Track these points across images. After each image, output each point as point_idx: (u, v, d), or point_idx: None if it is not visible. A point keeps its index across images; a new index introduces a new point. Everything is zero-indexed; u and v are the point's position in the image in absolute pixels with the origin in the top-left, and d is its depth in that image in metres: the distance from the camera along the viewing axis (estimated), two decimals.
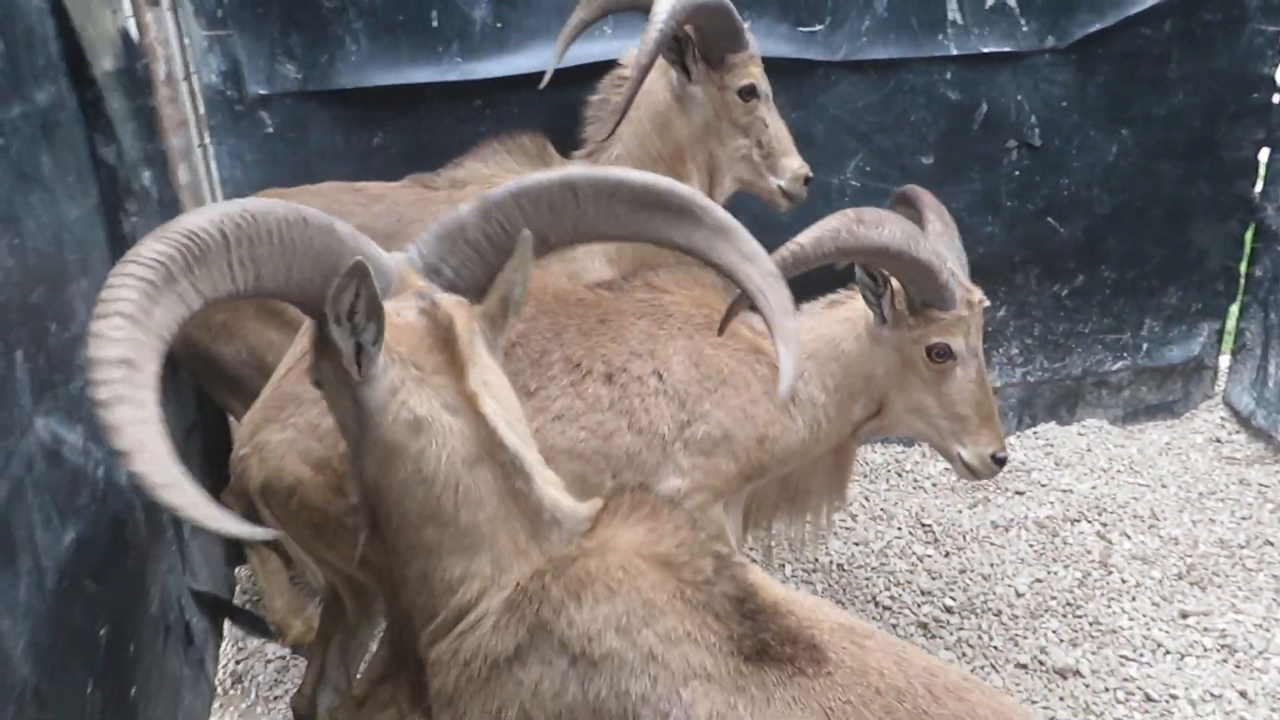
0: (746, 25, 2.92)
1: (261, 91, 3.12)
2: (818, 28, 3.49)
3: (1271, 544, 3.37)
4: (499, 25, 3.20)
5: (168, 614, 2.46)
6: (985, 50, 3.64)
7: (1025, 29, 3.64)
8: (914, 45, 3.59)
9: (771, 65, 3.43)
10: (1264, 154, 4.06)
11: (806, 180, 3.02)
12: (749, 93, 2.88)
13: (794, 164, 2.97)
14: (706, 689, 1.23)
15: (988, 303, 2.45)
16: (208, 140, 3.16)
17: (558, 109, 3.33)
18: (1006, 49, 3.64)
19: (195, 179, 3.08)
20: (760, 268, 1.54)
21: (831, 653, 1.25)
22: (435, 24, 3.16)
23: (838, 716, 1.21)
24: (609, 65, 3.25)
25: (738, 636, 1.26)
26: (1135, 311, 4.20)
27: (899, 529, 3.55)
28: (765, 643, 1.25)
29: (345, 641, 2.36)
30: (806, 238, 2.22)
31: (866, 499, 3.75)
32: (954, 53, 3.62)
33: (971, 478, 2.51)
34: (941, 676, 1.28)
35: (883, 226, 2.24)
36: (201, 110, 3.13)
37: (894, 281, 2.37)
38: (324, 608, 2.38)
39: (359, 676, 2.27)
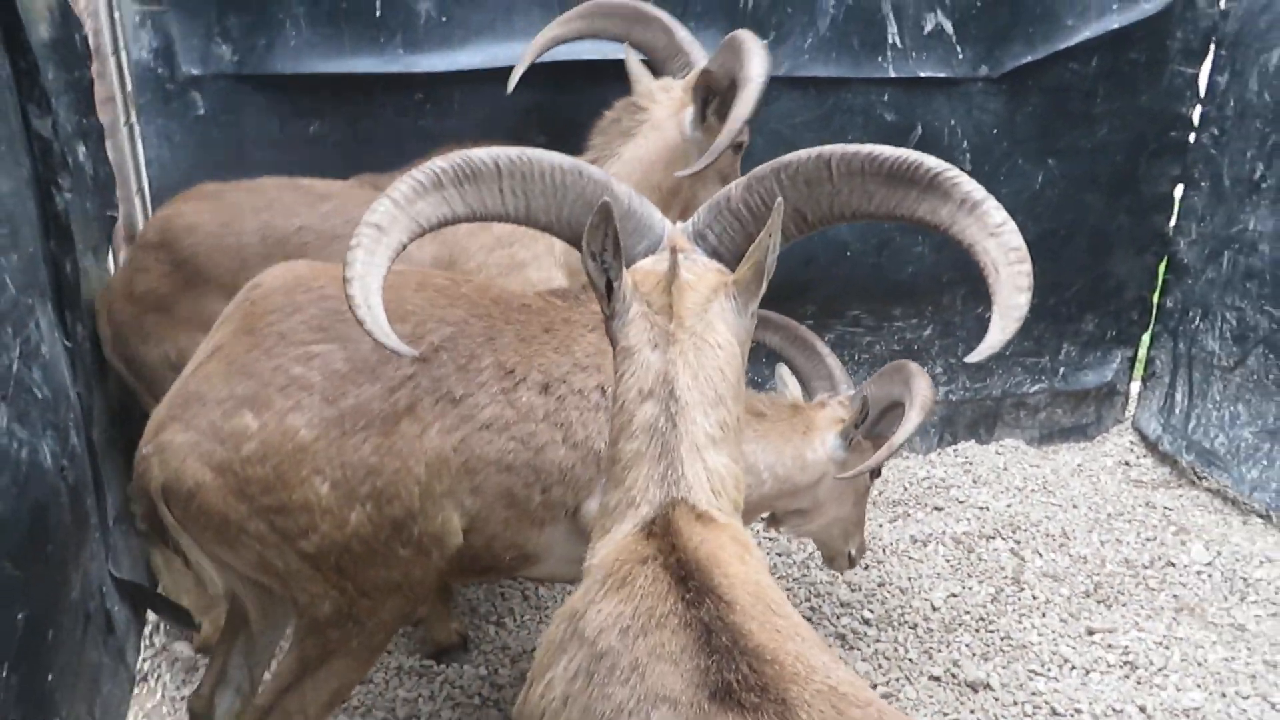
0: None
1: (194, 72, 3.04)
2: (762, 43, 3.53)
3: (1173, 565, 3.51)
4: (444, 19, 3.17)
5: (88, 601, 2.38)
6: (922, 75, 3.73)
7: (961, 56, 3.74)
8: (854, 66, 3.66)
9: None
10: (1179, 190, 4.22)
11: None
12: (739, 149, 3.00)
13: None
14: (670, 715, 1.19)
15: None
16: (134, 119, 3.06)
17: (498, 105, 3.31)
18: (942, 75, 3.73)
19: (120, 157, 2.98)
20: (1004, 243, 1.49)
21: (804, 714, 1.17)
22: (379, 14, 3.12)
23: None
24: (550, 65, 3.27)
25: (704, 669, 1.21)
26: (1054, 337, 4.34)
27: None
28: (730, 684, 1.19)
29: (248, 644, 2.27)
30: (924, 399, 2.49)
31: None
32: (892, 75, 3.70)
33: (844, 568, 2.96)
34: None
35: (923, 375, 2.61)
36: (129, 87, 3.04)
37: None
38: (228, 608, 2.30)
39: (264, 683, 2.19)
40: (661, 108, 2.95)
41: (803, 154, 1.56)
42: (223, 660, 2.27)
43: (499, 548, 2.14)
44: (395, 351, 1.51)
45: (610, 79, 3.37)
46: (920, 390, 2.49)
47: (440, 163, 1.54)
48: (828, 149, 1.55)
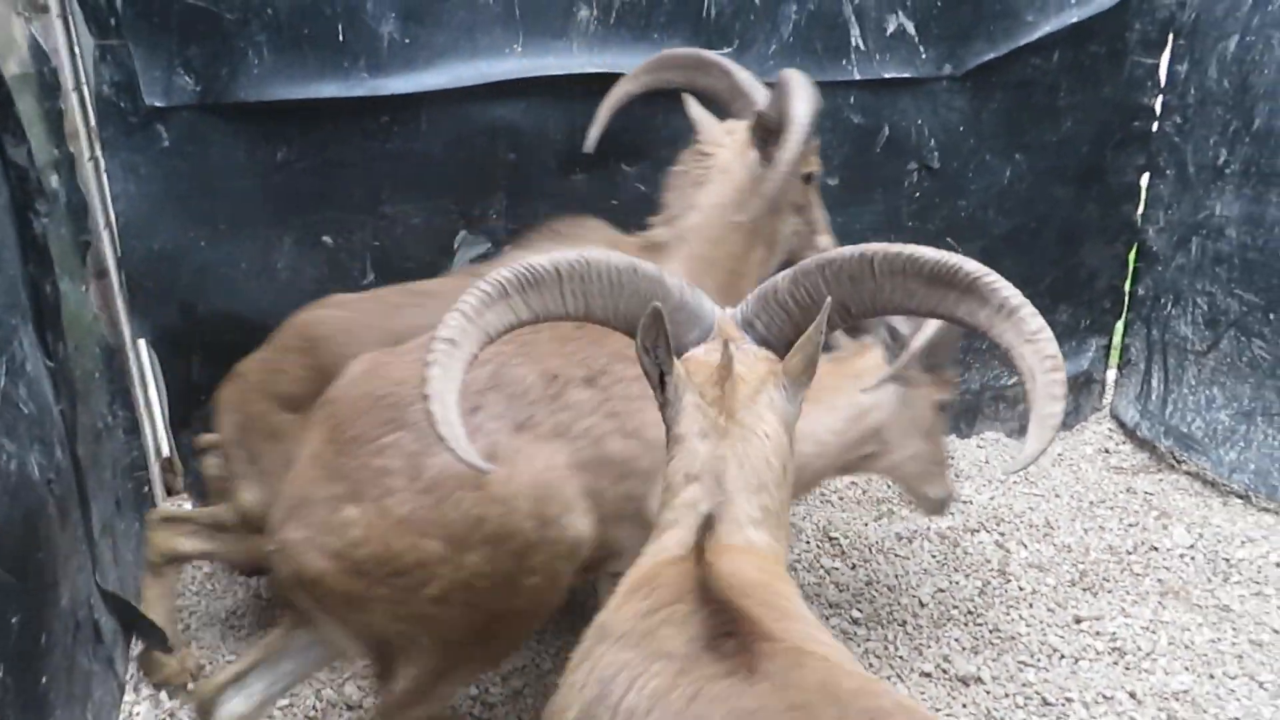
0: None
1: (157, 104, 3.02)
2: (726, 50, 3.55)
3: (1156, 549, 3.54)
4: (407, 41, 3.17)
5: (77, 610, 2.46)
6: (887, 76, 3.75)
7: (924, 56, 3.77)
8: (819, 69, 3.67)
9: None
10: (1145, 179, 4.27)
11: None
12: (810, 179, 3.02)
13: (828, 241, 3.09)
14: (666, 667, 1.32)
15: None
16: (99, 153, 3.05)
17: (466, 125, 3.32)
18: (907, 75, 3.76)
19: (87, 192, 2.97)
20: (1039, 350, 1.52)
21: (766, 665, 1.29)
22: (342, 39, 3.11)
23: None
24: (517, 82, 3.28)
25: (702, 623, 1.35)
26: None
27: (807, 542, 3.62)
28: (716, 635, 1.32)
29: (282, 674, 2.36)
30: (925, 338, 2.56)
31: None
32: (857, 77, 3.72)
33: (933, 512, 2.96)
34: (866, 700, 1.27)
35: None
36: (93, 122, 3.02)
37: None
38: (280, 637, 2.37)
39: (392, 692, 2.26)
40: (727, 150, 2.94)
41: (846, 251, 1.62)
42: (252, 668, 2.34)
43: (607, 544, 2.26)
44: (476, 468, 1.56)
45: (576, 96, 3.39)
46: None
47: (505, 273, 1.61)
48: (870, 248, 1.61)
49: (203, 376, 3.34)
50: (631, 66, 3.39)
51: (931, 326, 2.55)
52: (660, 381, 1.63)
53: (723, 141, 2.97)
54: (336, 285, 3.35)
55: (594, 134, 3.14)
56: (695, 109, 3.05)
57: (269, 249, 3.26)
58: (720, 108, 3.12)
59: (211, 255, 3.21)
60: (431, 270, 3.45)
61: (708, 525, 1.48)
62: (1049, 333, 1.51)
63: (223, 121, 3.10)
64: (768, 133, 2.82)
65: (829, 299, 1.58)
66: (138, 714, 2.78)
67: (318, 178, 3.21)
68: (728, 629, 1.33)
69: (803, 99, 2.77)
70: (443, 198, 3.38)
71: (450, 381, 1.54)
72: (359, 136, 3.23)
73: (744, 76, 3.09)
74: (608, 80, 3.38)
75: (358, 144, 3.23)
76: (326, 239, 3.32)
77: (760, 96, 3.01)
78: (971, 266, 1.56)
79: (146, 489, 3.41)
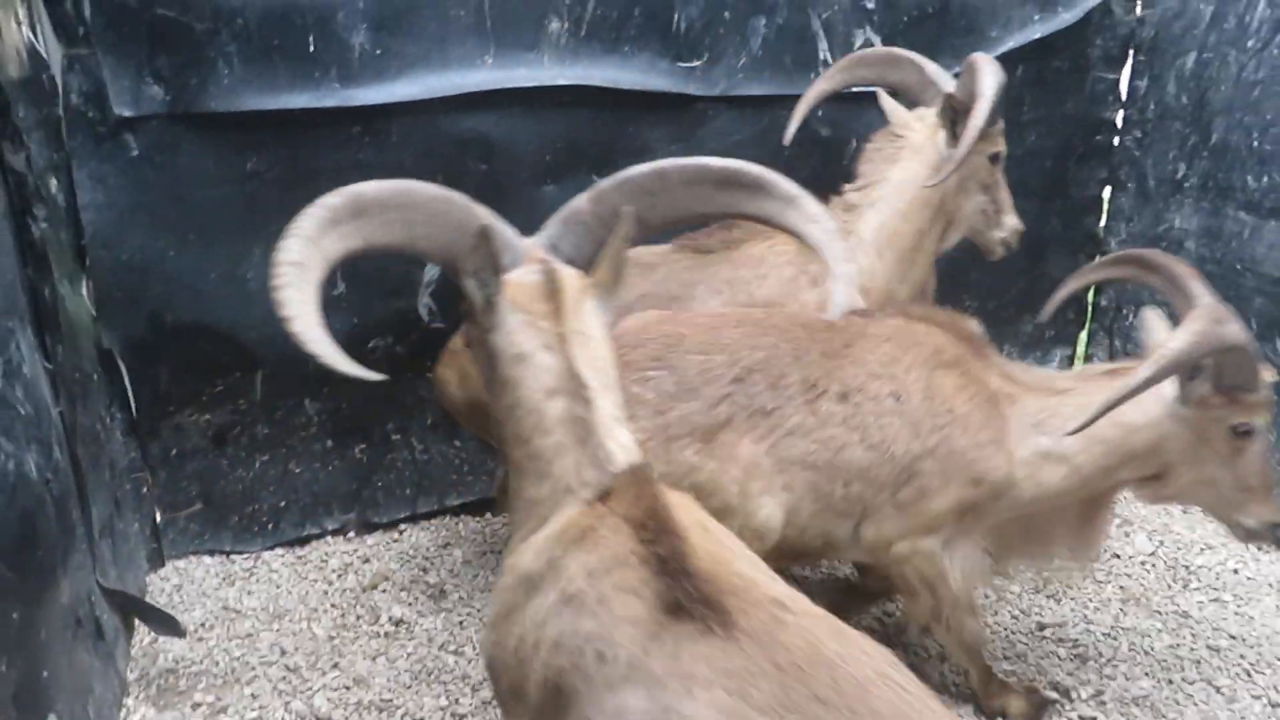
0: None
1: (126, 113, 3.01)
2: (696, 64, 3.59)
3: (1118, 556, 3.60)
4: (378, 52, 3.18)
5: (78, 608, 2.52)
6: (855, 89, 3.80)
7: None
8: (788, 83, 3.73)
9: (652, 99, 3.54)
10: (1107, 192, 4.36)
11: (1020, 234, 3.36)
12: (996, 159, 3.20)
13: (1013, 221, 3.31)
14: (633, 634, 1.38)
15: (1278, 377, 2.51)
16: (69, 162, 3.03)
17: (437, 136, 3.34)
18: (874, 88, 3.81)
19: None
20: (822, 226, 1.82)
21: (743, 621, 1.35)
22: (312, 49, 3.12)
23: (732, 679, 1.29)
24: (488, 94, 3.29)
25: (660, 591, 1.40)
26: (995, 339, 4.34)
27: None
28: (679, 601, 1.37)
29: None
30: (1182, 342, 2.31)
31: None
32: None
33: (1250, 540, 2.64)
34: (854, 667, 1.31)
35: (1230, 323, 2.34)
36: (63, 131, 3.01)
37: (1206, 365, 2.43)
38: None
39: None
40: (918, 133, 3.21)
41: (643, 167, 1.79)
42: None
43: (809, 537, 2.54)
44: (352, 375, 1.59)
45: (547, 107, 3.42)
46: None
47: (334, 199, 1.64)
48: (664, 162, 1.80)
49: (172, 387, 3.34)
50: (602, 78, 3.44)
51: (1179, 342, 2.33)
52: (481, 309, 1.66)
53: (914, 125, 3.23)
54: None
55: (792, 129, 3.30)
56: (887, 101, 3.31)
57: (239, 259, 3.26)
58: (911, 100, 3.33)
59: (181, 265, 3.20)
60: (404, 282, 3.47)
61: (633, 476, 1.56)
62: (826, 212, 1.83)
63: (192, 131, 3.10)
64: (956, 113, 3.05)
65: (628, 209, 1.70)
66: (138, 710, 2.83)
67: (288, 188, 3.21)
68: (688, 587, 1.38)
69: (989, 76, 2.99)
70: None
71: (307, 302, 1.55)
72: (330, 147, 3.23)
73: (933, 68, 3.30)
74: (579, 92, 3.42)
75: (328, 154, 3.23)
76: None
77: (949, 84, 3.22)
78: (754, 168, 1.82)
79: (145, 490, 3.42)
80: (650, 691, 1.32)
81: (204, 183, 3.15)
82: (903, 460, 2.50)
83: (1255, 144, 3.63)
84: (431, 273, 3.49)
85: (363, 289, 3.41)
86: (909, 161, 3.19)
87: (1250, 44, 3.63)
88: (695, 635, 1.33)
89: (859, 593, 3.26)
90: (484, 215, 1.73)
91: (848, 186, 3.25)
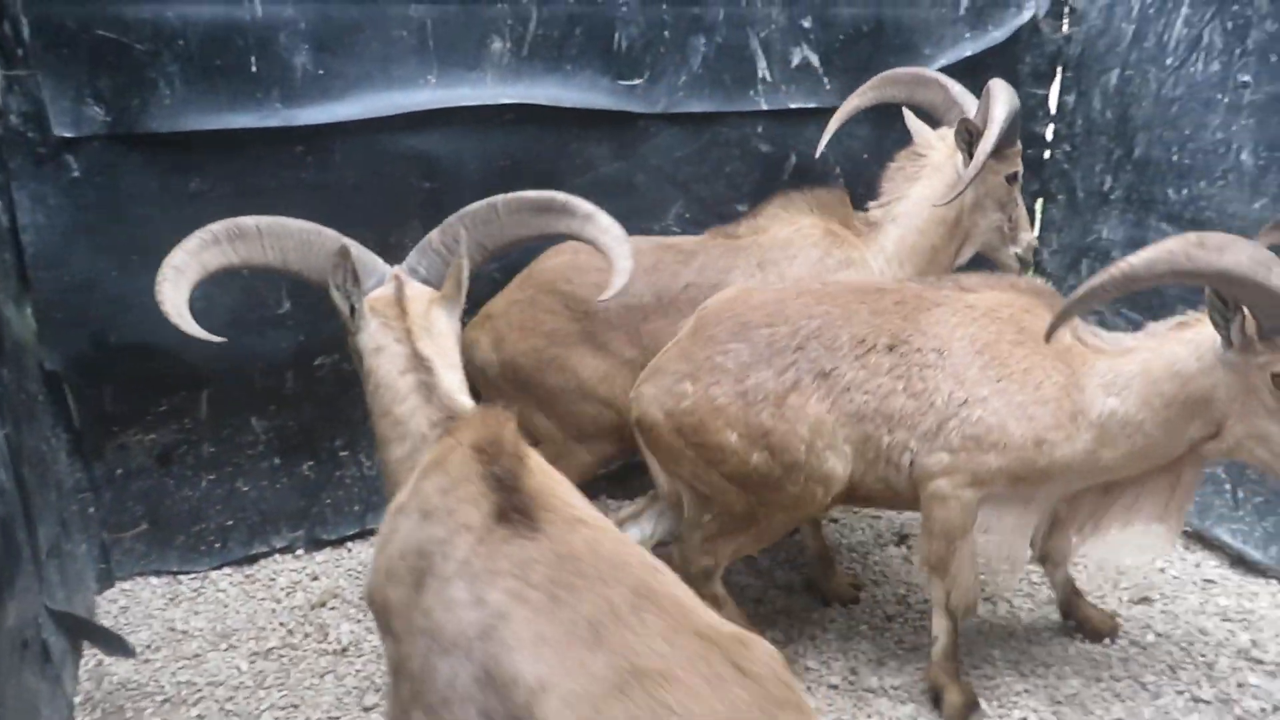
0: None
1: (67, 134, 3.01)
2: (637, 81, 3.66)
3: None
4: (321, 72, 3.21)
5: (25, 630, 2.52)
6: (793, 106, 3.90)
7: (828, 87, 3.93)
8: (727, 100, 3.81)
9: (594, 117, 3.60)
10: (1039, 204, 4.49)
11: (1035, 250, 3.50)
12: (1013, 178, 3.36)
13: (1029, 237, 3.51)
14: (468, 538, 1.65)
15: None
16: (8, 183, 3.02)
17: (381, 155, 3.37)
18: (812, 105, 3.91)
19: None
20: (611, 235, 2.37)
21: (547, 528, 1.65)
22: (254, 69, 3.14)
23: (520, 567, 1.59)
24: (432, 112, 3.33)
25: (494, 503, 1.68)
26: None
27: None
28: (505, 509, 1.66)
29: (660, 513, 3.15)
30: (1139, 258, 2.27)
31: None
32: (764, 108, 3.87)
33: None
34: (619, 556, 1.62)
35: (1225, 251, 2.24)
36: (1, 152, 3.00)
37: (1245, 307, 2.35)
38: (653, 493, 3.14)
39: (695, 533, 3.00)
40: (939, 153, 3.40)
41: (479, 203, 2.27)
42: (641, 511, 3.18)
43: (870, 482, 2.80)
44: (200, 338, 2.10)
45: (491, 125, 3.47)
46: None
47: (217, 227, 2.15)
48: (496, 197, 2.28)
49: (117, 407, 3.33)
50: (545, 97, 3.50)
51: (1141, 255, 2.28)
52: (350, 313, 2.07)
53: (935, 145, 3.42)
54: (252, 314, 3.37)
55: (824, 143, 3.49)
56: (912, 120, 3.48)
57: None
58: (936, 119, 3.51)
59: (123, 286, 3.19)
60: None
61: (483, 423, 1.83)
62: (614, 223, 2.34)
63: (134, 152, 3.10)
64: (971, 135, 3.21)
65: (463, 234, 2.21)
66: None
67: (231, 208, 3.15)
68: (514, 501, 1.68)
69: (1002, 103, 3.18)
70: (358, 227, 3.33)
71: (179, 295, 2.09)
72: (273, 166, 3.25)
73: (958, 89, 3.47)
74: (522, 110, 3.48)
75: (271, 174, 3.25)
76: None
77: (971, 106, 3.39)
78: (562, 195, 2.33)
79: (92, 510, 3.40)
80: (470, 584, 1.60)
81: (146, 203, 3.16)
82: (945, 410, 2.67)
83: (1175, 158, 3.77)
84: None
85: (308, 307, 3.43)
86: (928, 180, 3.38)
87: (1169, 62, 3.78)
88: (509, 538, 1.63)
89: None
90: (348, 243, 2.12)
91: (872, 204, 3.46)
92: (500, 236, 2.28)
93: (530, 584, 1.56)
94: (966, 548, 2.79)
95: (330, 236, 2.15)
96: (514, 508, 1.66)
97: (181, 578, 3.56)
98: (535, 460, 1.82)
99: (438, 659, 1.60)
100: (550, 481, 1.79)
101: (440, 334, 2.10)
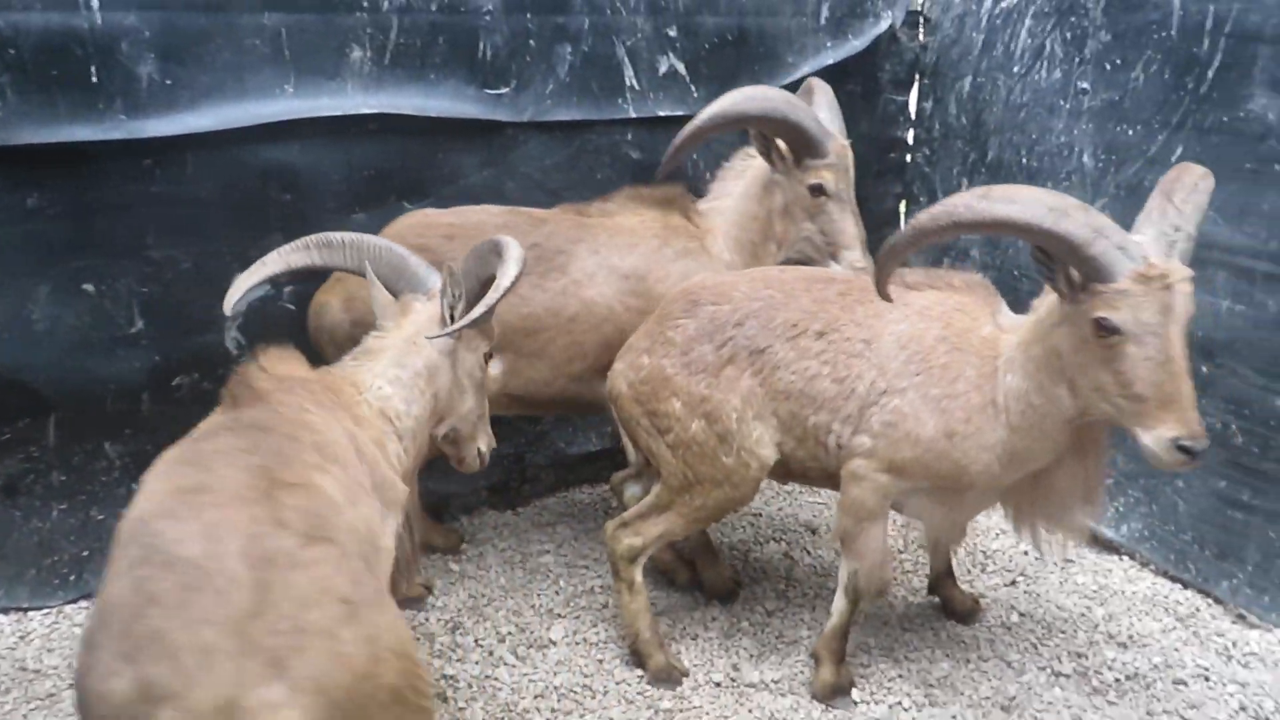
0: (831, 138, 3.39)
1: None
2: (504, 90, 3.64)
3: (924, 547, 3.83)
4: (168, 83, 3.09)
5: None
6: (661, 114, 3.94)
7: (695, 95, 3.98)
8: (596, 108, 3.82)
9: (461, 126, 3.57)
10: (903, 206, 4.65)
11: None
12: (817, 190, 3.40)
13: (852, 256, 3.47)
14: (205, 427, 2.11)
15: (1180, 276, 2.26)
16: None
17: (236, 166, 3.26)
18: (680, 113, 3.95)
19: None
20: (510, 258, 2.54)
21: (244, 409, 2.10)
22: (95, 80, 2.99)
23: (209, 442, 1.98)
24: (290, 123, 3.25)
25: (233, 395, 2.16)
26: None
27: (598, 558, 3.71)
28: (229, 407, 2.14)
29: (648, 478, 3.34)
30: (927, 213, 2.34)
31: (576, 539, 3.89)
32: (633, 115, 3.89)
33: (1157, 465, 2.36)
34: (247, 470, 1.85)
35: (1013, 201, 2.24)
36: None
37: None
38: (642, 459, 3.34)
39: (633, 508, 3.16)
40: (759, 157, 3.50)
41: (482, 243, 2.58)
42: (632, 476, 3.44)
43: (802, 458, 2.95)
44: (226, 311, 2.63)
45: (353, 135, 3.39)
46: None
47: (314, 237, 2.62)
48: (491, 239, 2.56)
49: None
50: (409, 106, 3.45)
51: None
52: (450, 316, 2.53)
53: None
54: (100, 334, 3.21)
55: (665, 167, 3.43)
56: (753, 129, 3.45)
57: (23, 299, 3.09)
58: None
59: None
60: (208, 316, 3.35)
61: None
62: (519, 252, 2.53)
63: None
64: (767, 140, 3.40)
65: (449, 267, 2.51)
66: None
67: (74, 224, 3.07)
68: (244, 399, 2.11)
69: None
70: (214, 240, 3.29)
71: (252, 278, 2.61)
72: (119, 180, 3.11)
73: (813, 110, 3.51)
74: (384, 120, 3.42)
75: (117, 187, 3.11)
76: (88, 287, 3.16)
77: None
78: (503, 238, 2.55)
79: None
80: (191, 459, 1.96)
81: None
82: (866, 399, 2.77)
83: (1024, 160, 3.95)
84: (239, 306, 3.40)
85: (163, 326, 3.29)
86: (749, 177, 3.56)
87: (1016, 69, 3.97)
88: (219, 429, 2.04)
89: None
90: (408, 257, 2.63)
91: (699, 203, 3.62)
92: (490, 271, 2.58)
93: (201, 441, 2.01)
94: (876, 530, 2.88)
95: (398, 253, 2.62)
96: (235, 402, 2.13)
97: (33, 614, 3.36)
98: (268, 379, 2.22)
99: None
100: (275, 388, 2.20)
101: (406, 338, 2.54)
